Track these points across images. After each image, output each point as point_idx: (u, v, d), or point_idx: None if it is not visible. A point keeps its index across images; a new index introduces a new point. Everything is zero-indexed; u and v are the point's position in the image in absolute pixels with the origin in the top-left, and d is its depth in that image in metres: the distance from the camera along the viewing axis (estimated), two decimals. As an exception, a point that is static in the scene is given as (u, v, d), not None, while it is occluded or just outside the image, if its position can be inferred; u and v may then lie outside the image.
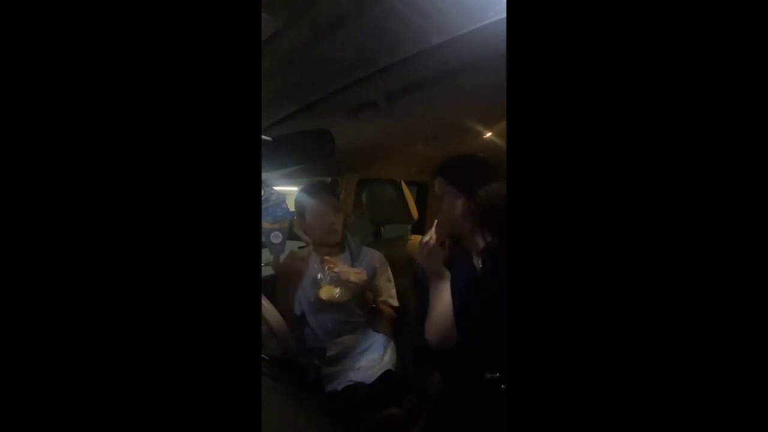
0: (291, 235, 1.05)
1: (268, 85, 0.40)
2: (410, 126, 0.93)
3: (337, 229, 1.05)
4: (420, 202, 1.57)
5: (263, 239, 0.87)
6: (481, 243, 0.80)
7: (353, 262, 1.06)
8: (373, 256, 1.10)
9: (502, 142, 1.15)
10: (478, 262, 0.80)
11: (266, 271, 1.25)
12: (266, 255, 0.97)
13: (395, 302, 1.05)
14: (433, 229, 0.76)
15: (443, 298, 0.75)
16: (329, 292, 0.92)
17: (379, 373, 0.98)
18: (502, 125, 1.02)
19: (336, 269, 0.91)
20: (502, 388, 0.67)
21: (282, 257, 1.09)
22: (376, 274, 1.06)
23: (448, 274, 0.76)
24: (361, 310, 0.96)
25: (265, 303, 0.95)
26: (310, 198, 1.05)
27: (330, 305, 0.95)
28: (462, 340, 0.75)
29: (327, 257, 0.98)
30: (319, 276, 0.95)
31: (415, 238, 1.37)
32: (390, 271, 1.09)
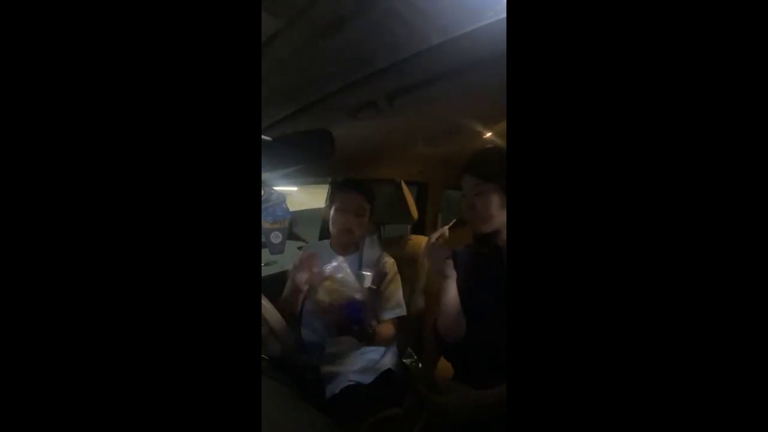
0: (291, 235, 1.05)
1: (268, 85, 0.40)
2: (410, 126, 0.93)
3: (352, 230, 1.04)
4: (420, 202, 1.57)
5: (263, 239, 0.87)
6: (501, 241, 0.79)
7: (361, 265, 1.04)
8: (386, 262, 1.08)
9: (502, 142, 1.15)
10: (482, 261, 0.79)
11: (266, 271, 1.25)
12: (266, 255, 0.96)
13: (403, 311, 1.02)
14: (445, 229, 0.76)
15: (450, 296, 0.77)
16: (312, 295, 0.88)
17: (378, 373, 0.98)
18: (502, 125, 1.01)
19: (315, 269, 0.88)
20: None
21: (302, 251, 1.08)
22: (385, 281, 1.04)
23: (453, 273, 0.76)
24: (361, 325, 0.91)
25: (265, 303, 0.95)
26: (340, 193, 1.05)
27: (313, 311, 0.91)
28: (467, 338, 0.76)
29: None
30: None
31: (416, 238, 1.37)
32: (399, 282, 1.07)
